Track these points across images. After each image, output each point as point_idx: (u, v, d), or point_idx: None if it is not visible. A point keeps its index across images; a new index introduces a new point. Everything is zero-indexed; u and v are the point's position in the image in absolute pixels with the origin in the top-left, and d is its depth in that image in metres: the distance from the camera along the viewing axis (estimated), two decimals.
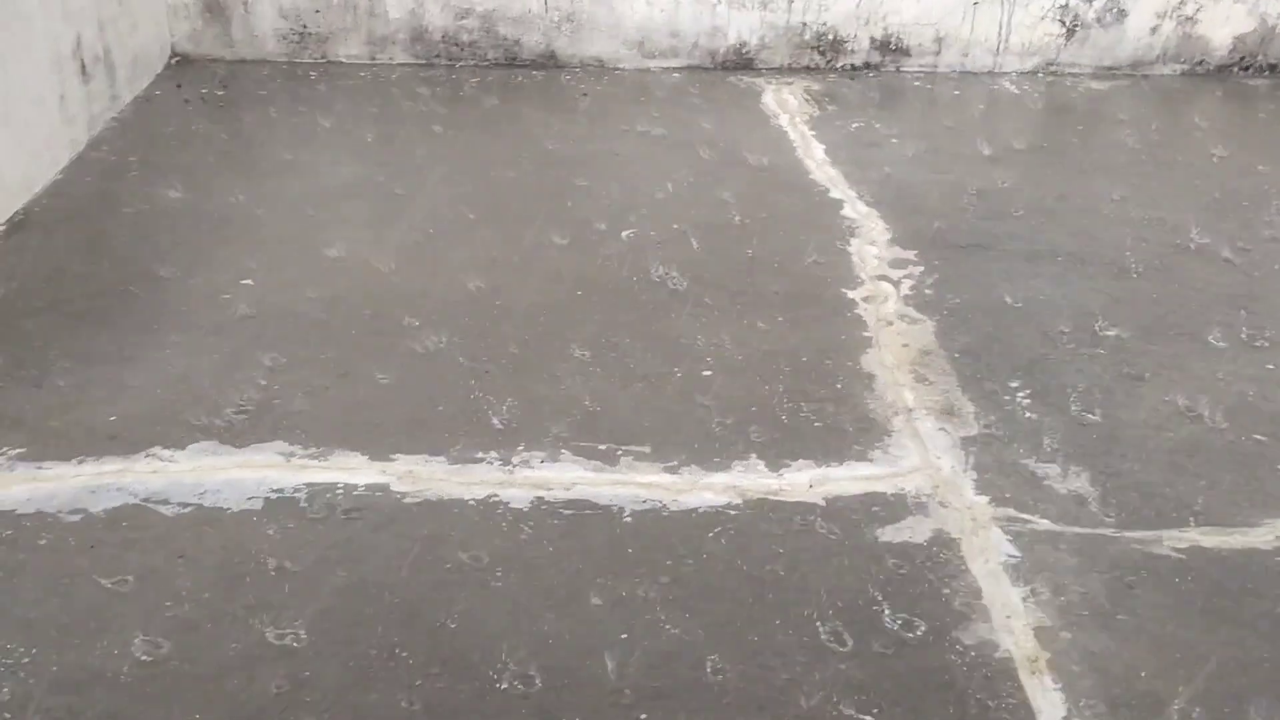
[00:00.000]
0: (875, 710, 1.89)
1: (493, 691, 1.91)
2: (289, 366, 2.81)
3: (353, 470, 2.45)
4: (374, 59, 5.16)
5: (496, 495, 2.38)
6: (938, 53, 5.25)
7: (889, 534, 2.30)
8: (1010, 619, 2.10)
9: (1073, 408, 2.74)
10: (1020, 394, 2.79)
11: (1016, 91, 5.10)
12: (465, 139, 4.33)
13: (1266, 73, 5.33)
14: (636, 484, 2.43)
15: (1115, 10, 5.19)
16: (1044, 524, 2.35)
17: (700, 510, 2.35)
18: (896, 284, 3.33)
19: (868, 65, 5.27)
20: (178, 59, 5.09)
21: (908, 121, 4.72)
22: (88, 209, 3.65)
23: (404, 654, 1.98)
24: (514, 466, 2.47)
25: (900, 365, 2.90)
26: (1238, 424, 2.69)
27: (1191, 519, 2.38)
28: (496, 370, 2.82)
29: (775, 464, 2.50)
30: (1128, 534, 2.33)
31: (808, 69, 5.25)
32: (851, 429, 2.63)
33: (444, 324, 3.02)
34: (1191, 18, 5.21)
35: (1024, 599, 2.15)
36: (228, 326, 2.99)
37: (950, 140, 4.49)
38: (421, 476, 2.43)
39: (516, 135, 4.39)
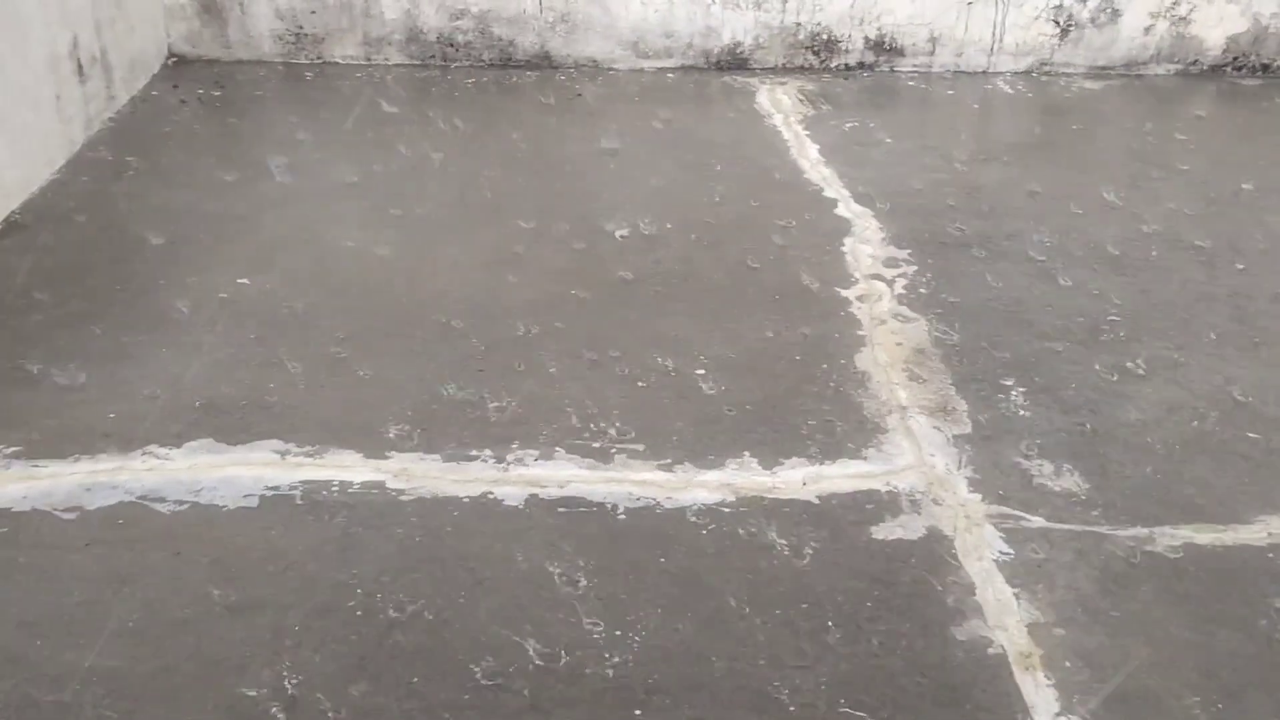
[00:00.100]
0: (869, 707, 1.90)
1: (488, 688, 1.92)
2: (284, 365, 2.82)
3: (348, 468, 2.45)
4: (369, 60, 5.16)
5: (491, 493, 2.39)
6: (932, 53, 5.26)
7: (882, 531, 2.31)
8: (1003, 616, 2.11)
9: (1066, 405, 2.75)
10: (1014, 392, 2.80)
11: (1010, 91, 5.11)
12: (460, 139, 4.34)
13: (1259, 73, 5.35)
14: (630, 482, 2.43)
15: (1109, 10, 5.20)
16: (1037, 521, 2.36)
17: (694, 508, 2.36)
18: (890, 283, 3.34)
19: (862, 65, 5.28)
20: (174, 60, 5.10)
21: (902, 121, 4.73)
22: (84, 209, 3.65)
23: (400, 651, 1.99)
24: (508, 464, 2.48)
25: (894, 363, 2.91)
26: (1231, 421, 2.70)
27: (1184, 516, 2.39)
28: (491, 368, 2.83)
29: (769, 462, 2.51)
30: (1121, 531, 2.34)
31: (802, 69, 5.26)
32: (845, 427, 2.64)
33: (439, 323, 3.03)
34: (1185, 18, 5.22)
35: (1017, 596, 2.16)
36: (223, 325, 2.99)
37: (944, 140, 4.50)
38: (416, 474, 2.44)
39: (511, 136, 4.40)
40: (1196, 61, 5.32)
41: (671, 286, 3.27)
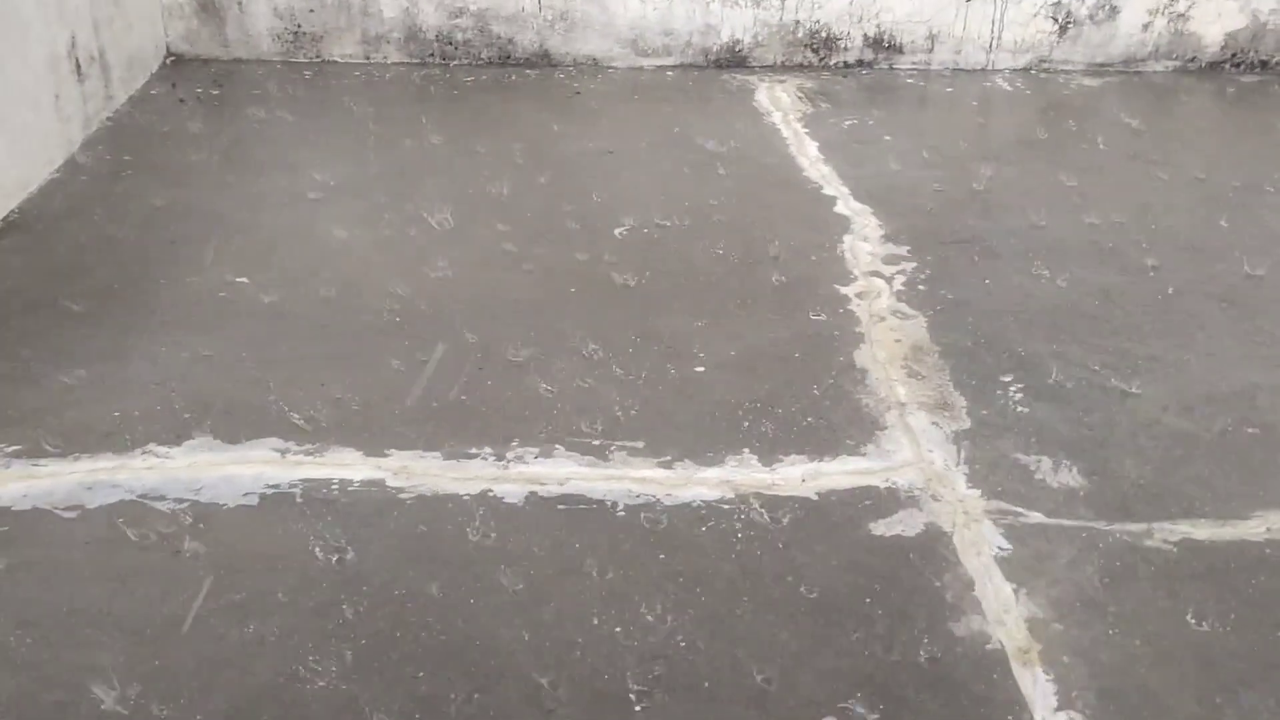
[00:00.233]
0: (868, 703, 1.90)
1: (488, 684, 1.92)
2: (283, 363, 2.82)
3: (348, 466, 2.45)
4: (368, 58, 5.16)
5: (491, 490, 2.39)
6: (930, 50, 5.26)
7: (881, 527, 2.32)
8: (1002, 611, 2.11)
9: (1065, 401, 2.75)
10: (1012, 388, 2.80)
11: (1009, 89, 5.11)
12: (459, 138, 4.34)
13: (1258, 69, 5.35)
14: (630, 479, 2.44)
15: (1107, 7, 5.21)
16: (1036, 517, 2.37)
17: (694, 505, 2.36)
18: (889, 280, 3.34)
19: (861, 63, 5.28)
20: (172, 59, 5.10)
21: (901, 119, 4.74)
22: (82, 209, 3.65)
23: (400, 648, 1.99)
24: (508, 462, 2.48)
25: (893, 360, 2.92)
26: (1229, 417, 2.71)
27: (1182, 512, 2.39)
28: (490, 366, 2.83)
29: (768, 458, 2.52)
30: (1119, 526, 2.34)
31: (801, 66, 5.26)
32: (844, 424, 2.65)
33: (438, 321, 3.03)
34: (1183, 15, 5.22)
35: (1016, 591, 2.16)
36: (222, 324, 3.00)
37: (943, 137, 4.50)
38: (416, 472, 2.44)
39: (510, 134, 4.40)
40: (1195, 58, 5.33)
41: (670, 284, 3.27)
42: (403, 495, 2.37)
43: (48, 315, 3.01)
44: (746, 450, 2.54)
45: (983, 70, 5.28)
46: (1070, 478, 2.48)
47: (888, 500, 2.40)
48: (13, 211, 3.58)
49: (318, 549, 2.21)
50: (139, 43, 4.74)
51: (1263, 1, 5.21)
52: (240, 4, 5.03)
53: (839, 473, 2.48)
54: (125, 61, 4.57)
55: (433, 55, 5.17)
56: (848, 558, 2.23)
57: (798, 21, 5.18)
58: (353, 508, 2.33)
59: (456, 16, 5.11)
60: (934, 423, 2.66)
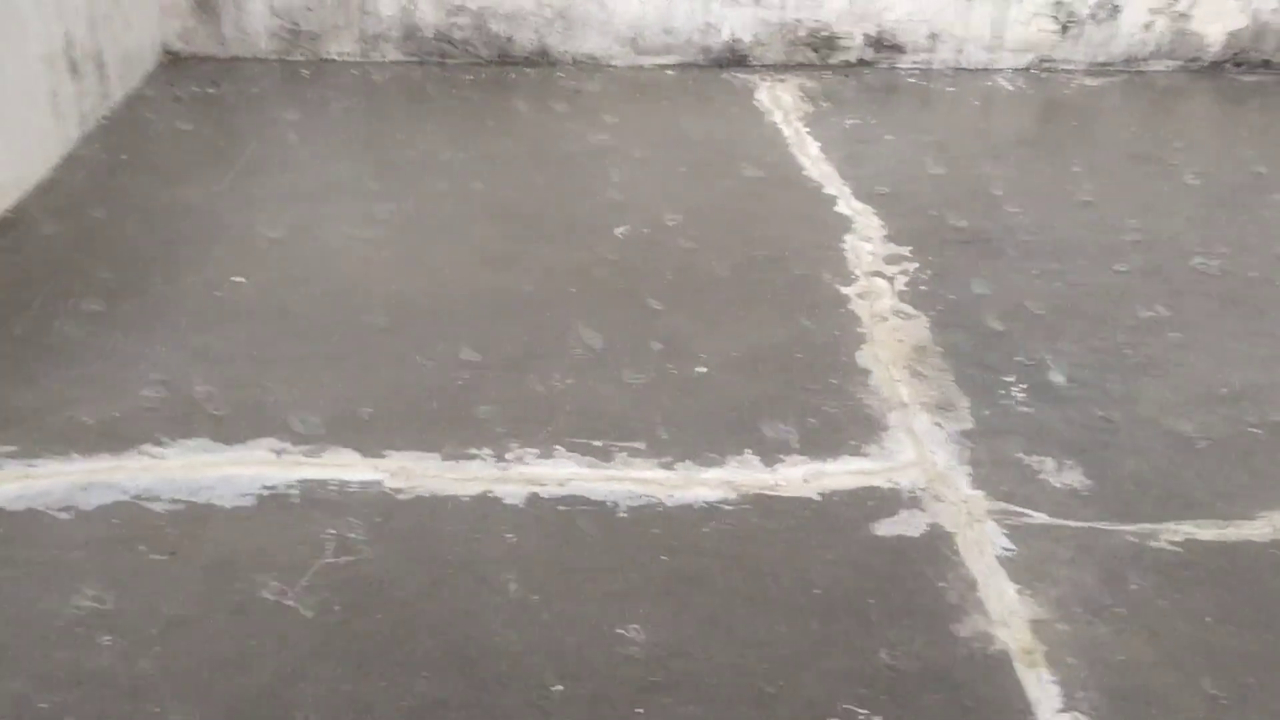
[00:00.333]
0: (871, 705, 1.89)
1: (488, 687, 1.90)
2: (281, 363, 2.80)
3: (346, 467, 2.44)
4: (366, 57, 5.14)
5: (491, 491, 2.37)
6: (932, 49, 5.25)
7: (884, 528, 2.30)
8: (1006, 612, 2.09)
9: (1068, 401, 2.74)
10: (1015, 388, 2.79)
11: (1011, 88, 5.10)
12: (458, 136, 4.32)
13: (1259, 69, 5.34)
14: (631, 480, 2.42)
15: (1109, 7, 5.19)
16: (1039, 517, 2.35)
17: (695, 506, 2.35)
18: (891, 280, 3.32)
19: (862, 62, 5.26)
20: (169, 57, 5.07)
21: (902, 118, 4.72)
22: (79, 207, 3.63)
23: (400, 650, 1.97)
24: (508, 463, 2.46)
25: (895, 361, 2.90)
26: (1234, 417, 2.69)
27: (1187, 511, 2.38)
28: (490, 366, 2.82)
29: (770, 459, 2.50)
30: (1123, 527, 2.33)
31: (802, 66, 5.24)
32: (846, 424, 2.63)
33: (437, 320, 3.01)
34: (1185, 14, 5.21)
35: (1019, 592, 2.14)
36: (219, 324, 2.98)
37: (944, 137, 4.49)
38: (415, 473, 2.42)
39: (509, 133, 4.38)
40: (1196, 58, 5.31)
41: (671, 284, 3.25)
42: (401, 496, 2.35)
43: (43, 314, 2.99)
44: (748, 451, 2.52)
45: (984, 70, 5.27)
46: (1074, 478, 2.47)
47: (890, 501, 2.38)
48: (8, 210, 3.56)
49: (315, 551, 2.19)
50: (136, 41, 4.71)
51: (1264, 1, 5.19)
52: (237, 2, 5.01)
53: (841, 473, 2.46)
54: (122, 59, 4.54)
55: (431, 54, 5.15)
56: (850, 558, 2.21)
57: (799, 20, 5.16)
58: (351, 509, 2.31)
59: (455, 15, 5.09)
60: (936, 423, 2.64)
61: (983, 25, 5.20)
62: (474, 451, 2.49)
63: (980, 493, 2.42)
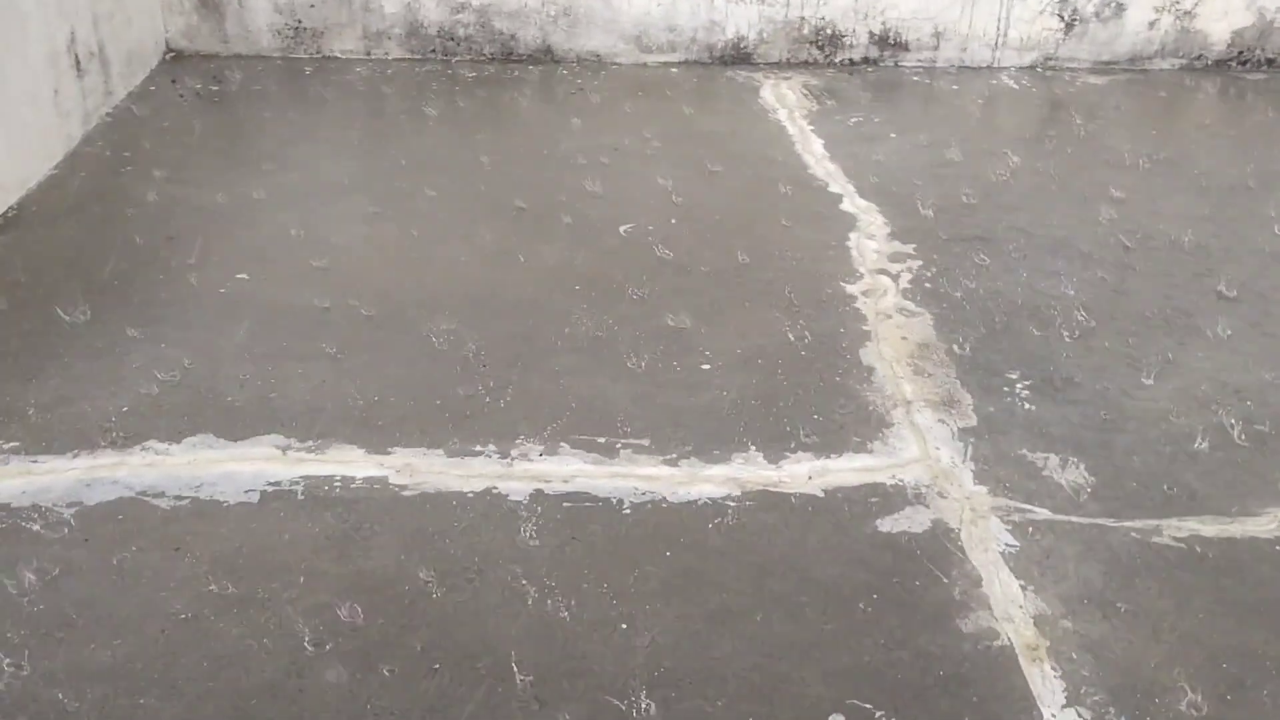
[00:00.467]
0: (875, 700, 1.88)
1: (492, 682, 1.90)
2: (285, 360, 2.80)
3: (350, 463, 2.43)
4: (369, 54, 5.14)
5: (495, 488, 2.37)
6: (936, 47, 5.24)
7: (888, 524, 2.30)
8: (1010, 608, 2.09)
9: (1071, 398, 2.73)
10: (1019, 385, 2.78)
11: (1015, 86, 5.09)
12: (461, 134, 4.32)
13: (1264, 67, 5.33)
14: (636, 476, 2.42)
15: (1114, 5, 5.18)
16: (1043, 513, 2.35)
17: (700, 502, 2.34)
18: (895, 277, 3.32)
19: (866, 60, 5.26)
20: (172, 54, 5.08)
21: (906, 116, 4.72)
22: (82, 205, 3.63)
23: (405, 647, 1.97)
24: (513, 459, 2.46)
25: (899, 358, 2.90)
26: (1237, 413, 2.68)
27: (1191, 508, 2.37)
28: (495, 364, 2.81)
29: (774, 456, 2.49)
30: (1127, 523, 2.32)
31: (806, 64, 5.24)
32: (850, 421, 2.63)
33: (441, 317, 3.01)
34: (1190, 12, 5.20)
35: (1023, 588, 2.14)
36: (223, 320, 2.98)
37: (949, 135, 4.48)
38: (420, 469, 2.42)
39: (513, 131, 4.38)
40: (1201, 56, 5.30)
41: (676, 282, 3.25)
42: (406, 493, 2.35)
43: (47, 311, 2.99)
44: (753, 447, 2.52)
45: (988, 68, 5.26)
46: (1077, 474, 2.46)
47: (895, 497, 2.38)
48: (11, 208, 3.56)
49: (319, 547, 2.19)
50: (138, 38, 4.72)
51: None
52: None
53: (845, 470, 2.46)
54: (125, 57, 4.55)
55: (434, 51, 5.15)
56: (854, 555, 2.21)
57: (803, 18, 5.16)
58: (355, 505, 2.31)
59: (458, 12, 5.09)
60: (940, 420, 2.64)
61: (987, 23, 5.19)
62: (479, 448, 2.49)
63: (984, 489, 2.41)
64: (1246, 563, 2.22)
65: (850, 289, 3.24)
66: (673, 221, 3.63)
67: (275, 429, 2.53)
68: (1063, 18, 5.20)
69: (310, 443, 2.49)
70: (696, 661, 1.95)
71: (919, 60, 5.26)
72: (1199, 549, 2.26)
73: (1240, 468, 2.50)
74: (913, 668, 1.95)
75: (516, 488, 2.37)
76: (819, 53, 5.24)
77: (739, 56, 5.23)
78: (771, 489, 2.39)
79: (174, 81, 4.77)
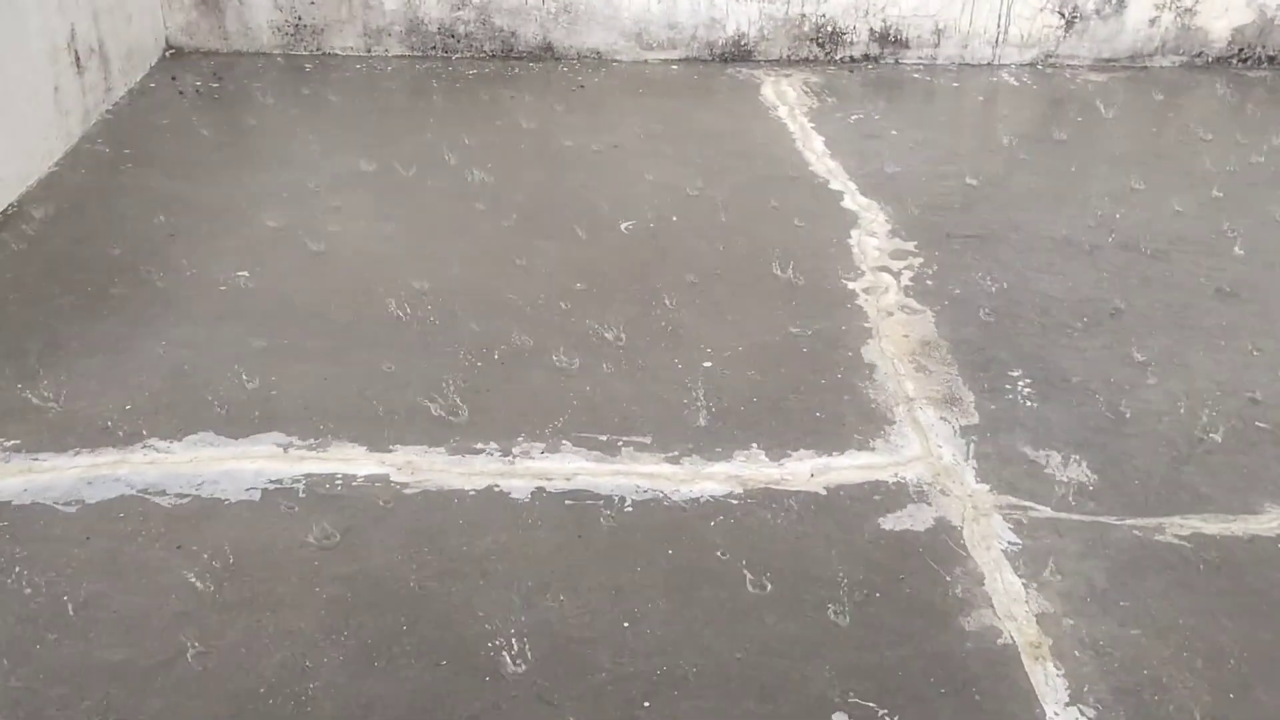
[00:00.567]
0: (877, 698, 1.88)
1: (494, 679, 1.90)
2: (286, 358, 2.80)
3: (351, 461, 2.43)
4: (369, 51, 5.13)
5: (497, 485, 2.37)
6: (937, 45, 5.24)
7: (890, 522, 2.29)
8: (1012, 606, 2.09)
9: (1074, 396, 2.73)
10: (1021, 382, 2.78)
11: (1015, 83, 5.08)
12: (461, 132, 4.31)
13: (1265, 64, 5.33)
14: (638, 474, 2.41)
15: (1114, 2, 5.18)
16: (1045, 511, 2.34)
17: (702, 500, 2.34)
18: (897, 275, 3.32)
19: (867, 57, 5.25)
20: (172, 51, 5.07)
21: (907, 113, 4.71)
22: (82, 201, 3.63)
23: (405, 642, 1.97)
24: (514, 457, 2.46)
25: (901, 355, 2.89)
26: (1239, 411, 2.68)
27: (1193, 506, 2.37)
28: (495, 361, 2.81)
29: (776, 453, 2.49)
30: (1129, 521, 2.32)
31: (807, 61, 5.24)
32: (852, 419, 2.62)
33: (442, 315, 3.01)
34: (1190, 9, 5.20)
35: (1026, 586, 2.14)
36: (224, 318, 2.97)
37: (949, 132, 4.48)
38: (421, 467, 2.42)
39: (513, 128, 4.37)
40: (1202, 53, 5.30)
41: (677, 278, 3.25)
42: (407, 491, 2.35)
43: (47, 308, 2.99)
44: (754, 445, 2.52)
45: (989, 65, 5.26)
46: (1080, 472, 2.46)
47: (897, 495, 2.37)
48: (11, 205, 3.55)
49: (321, 545, 2.19)
50: (139, 35, 4.71)
51: None
52: None
53: (848, 467, 2.46)
54: (125, 54, 4.54)
55: (435, 48, 5.15)
56: (856, 553, 2.21)
57: (803, 15, 5.15)
58: (357, 503, 2.31)
59: (459, 9, 5.08)
60: (942, 417, 2.64)
61: (988, 20, 5.19)
62: (480, 446, 2.49)
63: (986, 487, 2.41)
64: (1249, 561, 2.22)
65: (852, 286, 3.24)
66: (674, 218, 3.62)
67: (276, 427, 2.53)
68: (1063, 15, 5.20)
69: (311, 440, 2.49)
70: (698, 659, 1.95)
71: (919, 57, 5.26)
72: (1201, 547, 2.25)
73: (1242, 466, 2.50)
74: (915, 666, 1.95)
75: (518, 485, 2.37)
76: (819, 50, 5.23)
77: (739, 54, 5.22)
78: (774, 487, 2.39)
79: (174, 78, 4.76)
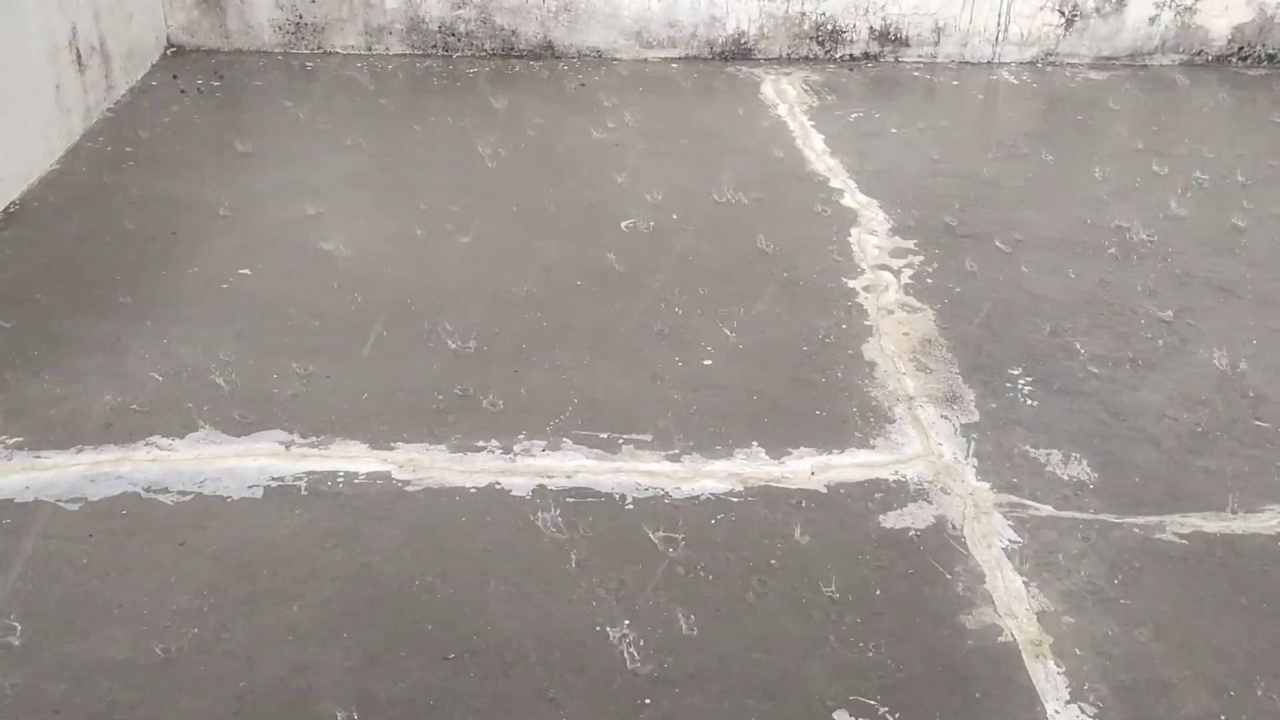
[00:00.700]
0: (879, 696, 1.89)
1: (496, 677, 1.90)
2: (288, 355, 2.80)
3: (353, 458, 2.44)
4: (370, 49, 5.14)
5: (498, 483, 2.37)
6: (937, 43, 5.24)
7: (891, 520, 2.30)
8: (1013, 604, 2.09)
9: (1074, 394, 2.74)
10: (1021, 380, 2.79)
11: (1015, 82, 5.09)
12: (462, 130, 4.31)
13: (1265, 63, 5.33)
14: (638, 472, 2.42)
15: (1114, 0, 5.18)
16: (1046, 509, 2.35)
17: (702, 498, 2.35)
18: (897, 273, 3.32)
19: (867, 55, 5.25)
20: (173, 50, 5.07)
21: (907, 112, 4.71)
22: (84, 200, 3.63)
23: (407, 640, 1.97)
24: (515, 455, 2.46)
25: (901, 353, 2.90)
26: (1240, 410, 2.69)
27: (1193, 504, 2.38)
28: (497, 359, 2.82)
29: (777, 451, 2.50)
30: (1130, 519, 2.33)
31: (806, 59, 5.24)
32: (853, 417, 2.63)
33: (443, 313, 3.01)
34: (1190, 7, 5.20)
35: (1026, 584, 2.14)
36: (226, 316, 2.98)
37: (949, 130, 4.48)
38: (423, 465, 2.42)
39: (513, 126, 4.38)
40: (1202, 52, 5.30)
41: (677, 277, 3.25)
42: (409, 488, 2.35)
43: (50, 306, 2.99)
44: (755, 443, 2.52)
45: (989, 63, 5.26)
46: (1080, 470, 2.47)
47: (897, 493, 2.38)
48: (13, 203, 3.56)
49: (323, 542, 2.19)
50: (140, 33, 4.71)
51: None
52: None
53: (848, 465, 2.46)
54: (126, 52, 4.54)
55: (435, 46, 5.15)
56: (857, 550, 2.21)
57: (803, 14, 5.15)
58: (359, 501, 2.31)
59: (459, 7, 5.08)
60: (943, 415, 2.64)
61: (988, 19, 5.19)
62: (481, 443, 2.49)
63: (987, 485, 2.42)
64: (1249, 559, 2.23)
65: (852, 284, 3.25)
66: (674, 216, 3.63)
67: (278, 424, 2.53)
68: (1063, 13, 5.20)
69: (313, 438, 2.49)
70: (700, 657, 1.96)
71: (919, 56, 5.26)
72: (1202, 545, 2.26)
73: (1243, 464, 2.51)
74: (916, 664, 1.95)
75: (519, 483, 2.37)
76: (819, 48, 5.23)
77: (739, 52, 5.22)
78: (774, 485, 2.39)
79: (175, 77, 4.76)
